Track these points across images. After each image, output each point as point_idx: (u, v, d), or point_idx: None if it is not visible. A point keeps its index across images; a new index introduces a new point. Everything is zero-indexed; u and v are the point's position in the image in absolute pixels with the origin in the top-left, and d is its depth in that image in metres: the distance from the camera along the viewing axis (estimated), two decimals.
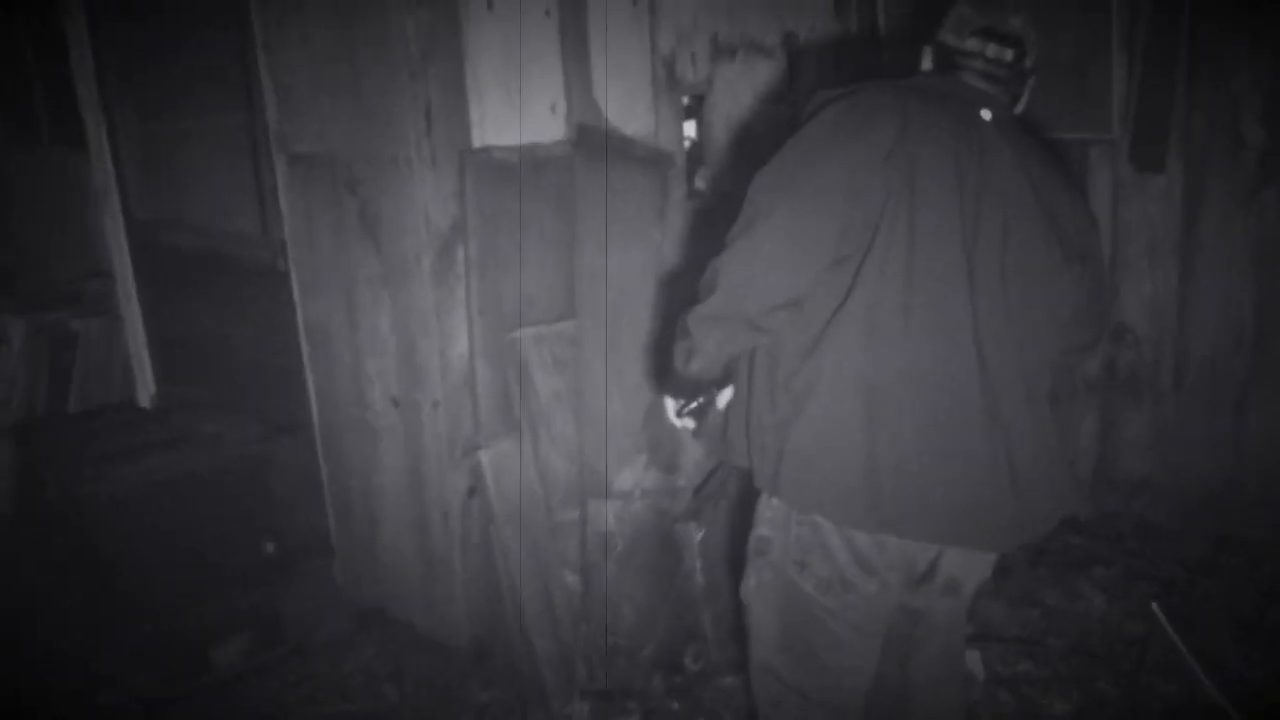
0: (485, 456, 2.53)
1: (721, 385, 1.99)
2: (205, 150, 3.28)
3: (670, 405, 2.07)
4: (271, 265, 2.89)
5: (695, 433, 2.20)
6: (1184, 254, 3.02)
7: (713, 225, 2.90)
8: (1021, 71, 1.86)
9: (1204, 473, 3.07)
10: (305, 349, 2.85)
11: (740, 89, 2.96)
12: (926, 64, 1.93)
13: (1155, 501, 3.20)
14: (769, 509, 1.87)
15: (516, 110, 2.52)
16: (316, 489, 2.91)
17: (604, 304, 2.65)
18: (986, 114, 1.81)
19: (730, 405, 1.97)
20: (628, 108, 2.72)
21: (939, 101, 1.79)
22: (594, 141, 2.64)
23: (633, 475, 2.68)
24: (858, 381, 1.73)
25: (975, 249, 1.74)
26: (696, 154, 2.89)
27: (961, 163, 1.74)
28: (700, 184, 2.91)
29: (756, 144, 3.00)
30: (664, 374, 2.07)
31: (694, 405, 2.03)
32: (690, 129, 2.89)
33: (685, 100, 2.85)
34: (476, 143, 2.46)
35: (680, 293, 2.81)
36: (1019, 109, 1.91)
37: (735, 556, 2.16)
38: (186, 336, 3.47)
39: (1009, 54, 1.83)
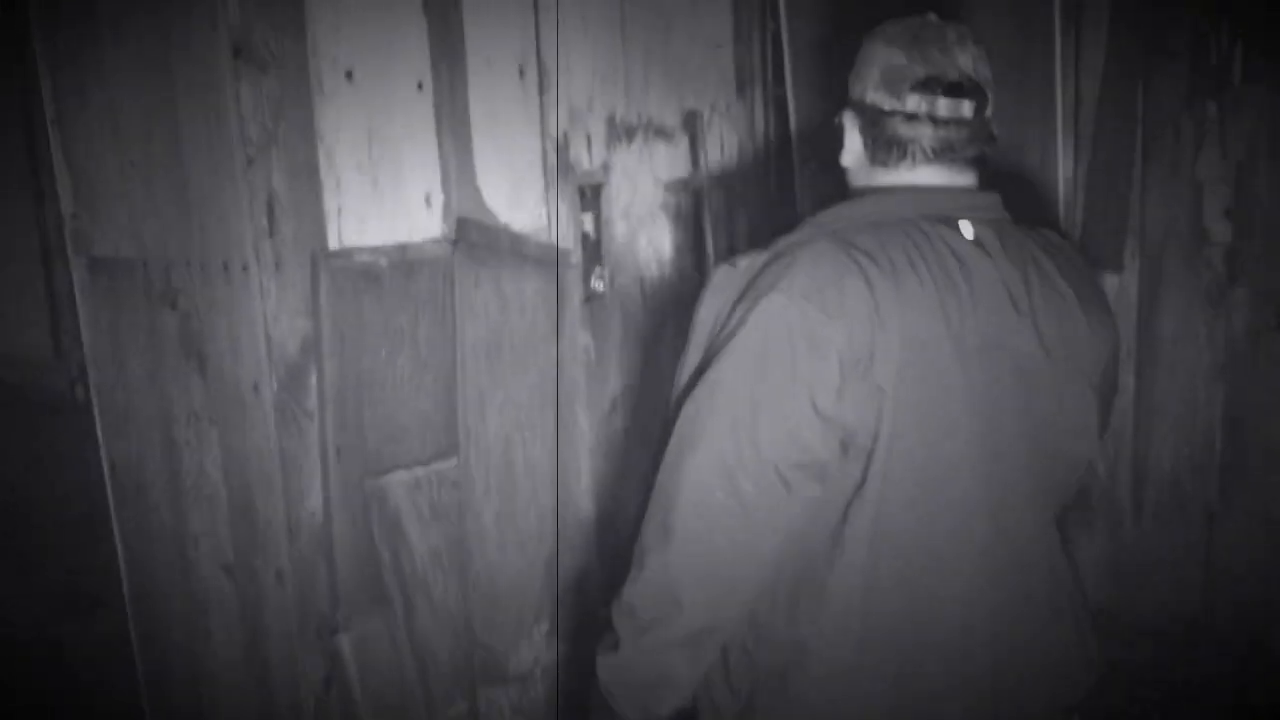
0: (346, 640, 1.99)
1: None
2: None
3: None
4: (68, 395, 2.30)
5: None
6: (1141, 360, 2.72)
7: (609, 335, 2.49)
8: (984, 124, 1.43)
9: (1167, 606, 2.74)
10: (111, 500, 2.25)
11: (640, 176, 2.56)
12: (851, 147, 1.48)
13: (1110, 636, 2.86)
14: None
15: (383, 203, 2.04)
16: (129, 678, 2.29)
17: (493, 437, 2.16)
18: (968, 229, 1.39)
19: None
20: (516, 198, 2.28)
21: (903, 239, 1.36)
22: (478, 239, 2.18)
23: (532, 650, 2.17)
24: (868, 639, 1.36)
25: (991, 440, 1.37)
26: (592, 251, 2.47)
27: (954, 326, 1.33)
28: (597, 285, 2.48)
29: (658, 238, 2.61)
30: None
31: None
32: (587, 222, 2.46)
33: (581, 190, 2.43)
34: (333, 243, 1.97)
35: (574, 420, 2.36)
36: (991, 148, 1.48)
37: None
38: None
39: (967, 107, 1.40)
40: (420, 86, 2.10)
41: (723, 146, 2.78)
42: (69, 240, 2.17)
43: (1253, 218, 2.57)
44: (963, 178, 1.43)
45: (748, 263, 1.41)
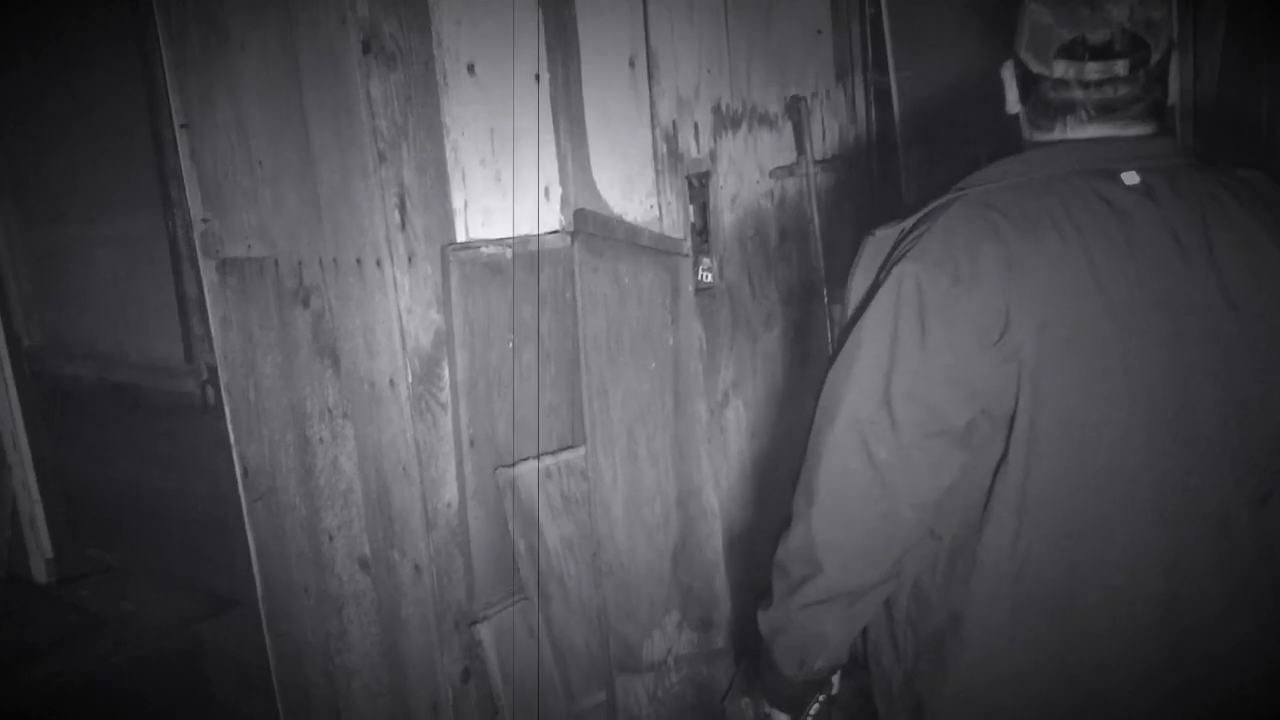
0: (484, 630, 1.99)
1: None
2: (111, 259, 2.71)
3: None
4: (199, 397, 2.34)
5: None
6: None
7: (720, 325, 2.48)
8: (1150, 76, 1.33)
9: None
10: (244, 499, 2.28)
11: (746, 164, 2.54)
12: (1012, 100, 1.42)
13: None
14: None
15: (507, 195, 2.05)
16: (263, 677, 2.32)
17: (617, 427, 2.16)
18: (1131, 176, 1.32)
19: None
20: (629, 189, 2.27)
21: (1048, 196, 1.30)
22: (595, 230, 2.18)
23: (665, 640, 2.16)
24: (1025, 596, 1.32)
25: (1159, 400, 1.30)
26: (700, 241, 2.46)
27: (1107, 284, 1.27)
28: (706, 276, 2.46)
29: (764, 227, 2.59)
30: (760, 681, 1.51)
31: (816, 707, 1.49)
32: (695, 212, 2.45)
33: (690, 179, 2.43)
34: (460, 236, 1.98)
35: (692, 410, 2.35)
36: (1172, 98, 1.39)
37: None
38: (92, 488, 2.84)
39: (1120, 66, 1.31)
40: (538, 79, 2.11)
41: (825, 133, 2.76)
42: (199, 243, 2.21)
43: None
44: (1131, 130, 1.35)
45: (888, 232, 1.38)
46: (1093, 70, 1.32)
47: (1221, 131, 2.49)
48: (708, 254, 2.47)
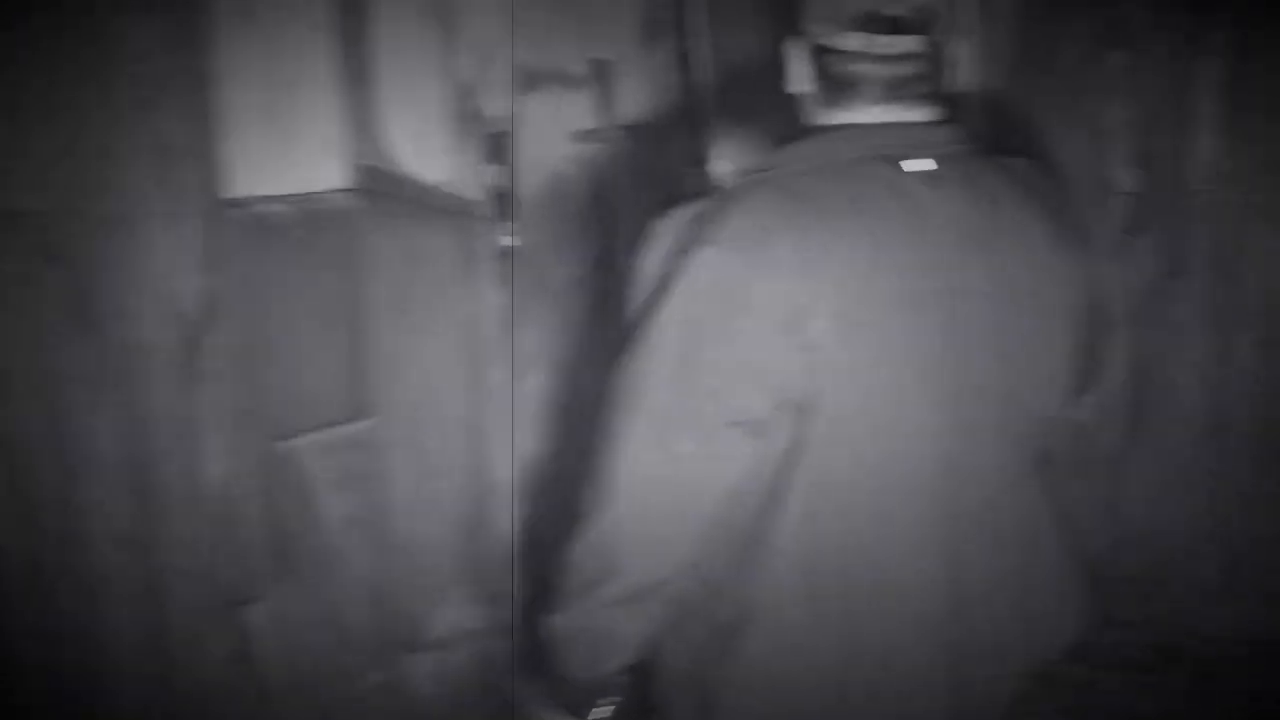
0: (255, 612, 1.88)
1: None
2: None
3: None
4: None
5: None
6: None
7: (522, 292, 2.41)
8: (941, 55, 1.33)
9: None
10: None
11: (549, 126, 2.47)
12: (796, 78, 1.38)
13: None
14: None
15: (287, 150, 1.92)
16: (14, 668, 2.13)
17: (406, 398, 2.07)
18: (919, 164, 1.31)
19: None
20: (423, 147, 2.17)
21: (843, 182, 1.29)
22: (385, 189, 2.08)
23: (452, 616, 2.10)
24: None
25: (946, 387, 1.31)
26: (501, 203, 2.38)
27: (895, 268, 1.27)
28: (507, 239, 2.39)
29: (568, 191, 2.53)
30: (543, 683, 1.43)
31: (605, 710, 1.42)
32: (495, 172, 2.37)
33: (489, 139, 2.34)
34: (231, 192, 1.84)
35: (489, 379, 2.28)
36: (951, 81, 1.39)
37: None
38: None
39: (911, 42, 1.30)
40: (320, 26, 1.98)
41: (635, 98, 2.71)
42: None
43: (1153, 167, 2.61)
44: (919, 113, 1.34)
45: (683, 213, 1.34)
46: (885, 44, 1.30)
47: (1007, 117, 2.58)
48: (509, 217, 2.39)
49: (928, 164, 1.31)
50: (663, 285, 1.27)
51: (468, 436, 2.20)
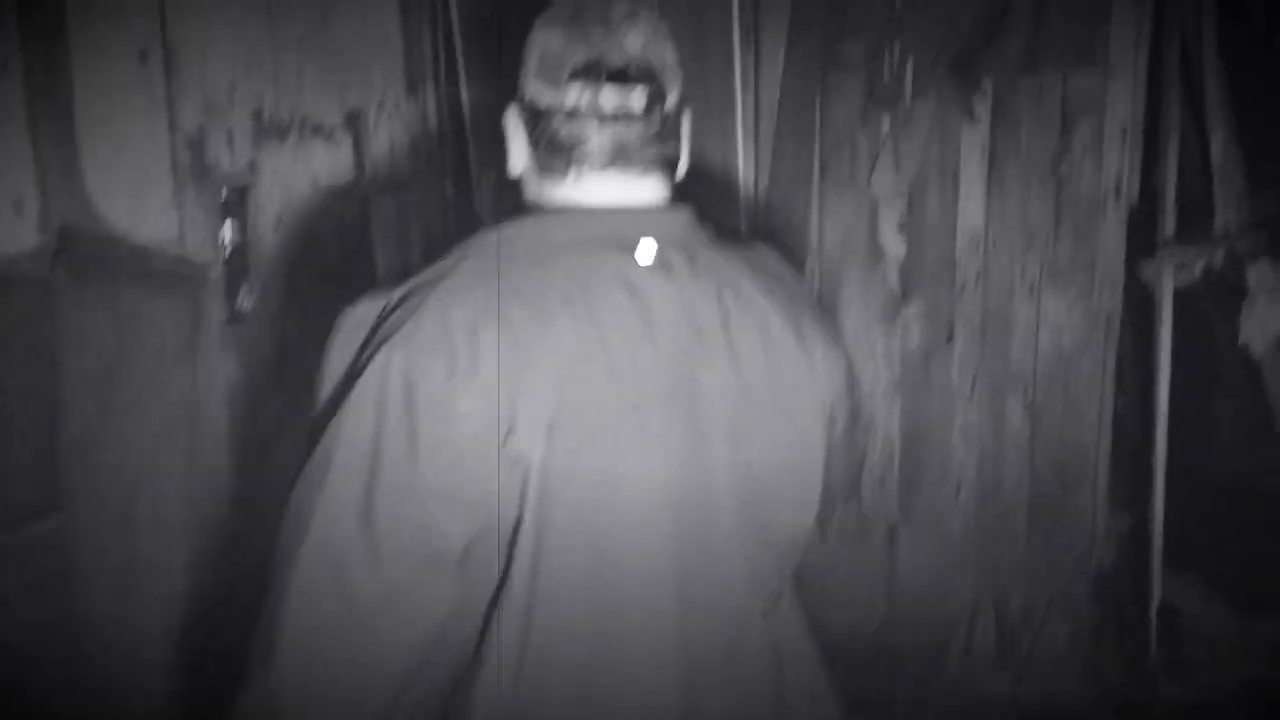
0: None
1: None
2: None
3: None
4: None
5: None
6: None
7: (259, 363, 2.19)
8: (666, 119, 1.20)
9: (852, 625, 2.74)
10: None
11: (295, 180, 2.26)
12: (517, 152, 1.22)
13: None
14: None
15: None
16: None
17: (106, 487, 1.82)
18: (648, 253, 1.17)
19: None
20: (138, 204, 1.94)
21: (561, 273, 1.13)
22: (88, 251, 1.83)
23: None
24: None
25: (681, 500, 1.16)
26: (239, 264, 2.15)
27: (622, 367, 1.12)
28: (246, 303, 2.16)
29: (319, 251, 2.32)
30: None
31: None
32: (229, 231, 2.14)
33: (223, 193, 2.12)
34: None
35: (214, 463, 2.04)
36: (680, 173, 1.26)
37: None
38: None
39: (638, 97, 1.17)
40: (5, 67, 1.73)
41: (393, 149, 2.52)
42: None
43: (923, 234, 2.60)
44: (645, 189, 1.21)
45: (370, 306, 1.15)
46: (609, 97, 1.15)
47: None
48: (246, 278, 2.17)
49: (651, 253, 1.18)
50: (342, 391, 1.08)
51: (188, 528, 1.95)
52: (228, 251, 2.13)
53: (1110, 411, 2.65)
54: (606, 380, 1.11)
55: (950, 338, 2.65)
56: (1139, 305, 2.67)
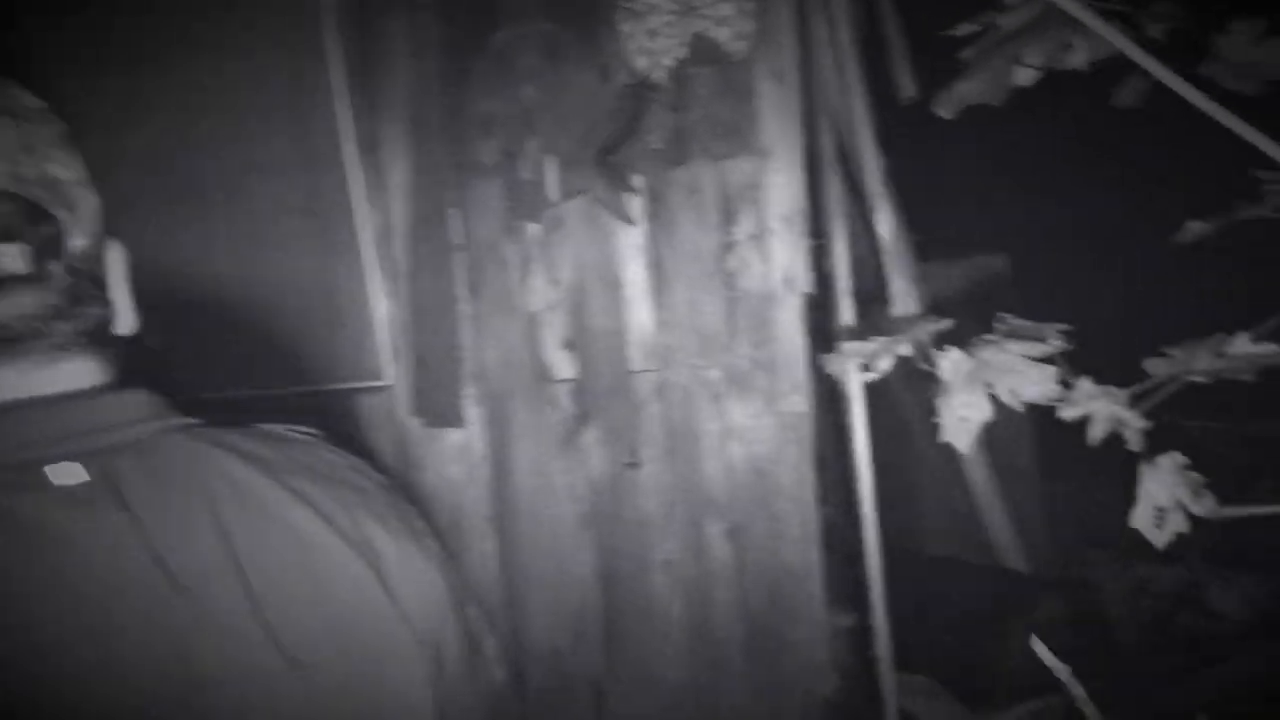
0: None
1: None
2: None
3: None
4: None
5: None
6: (502, 523, 2.34)
7: None
8: (78, 273, 0.84)
9: None
10: None
11: None
12: None
13: None
14: None
15: None
16: None
17: None
18: (70, 472, 0.78)
19: None
20: None
21: None
22: None
23: None
24: None
25: None
26: None
27: (46, 644, 0.74)
28: None
29: None
30: None
31: None
32: None
33: None
34: None
35: None
36: (126, 330, 0.91)
37: None
38: None
39: (11, 255, 0.79)
40: None
41: None
42: None
43: (592, 349, 2.30)
44: (62, 371, 0.82)
45: None
46: None
47: None
48: None
49: (74, 471, 0.77)
50: None
51: None
52: None
53: (816, 521, 2.40)
54: (25, 656, 0.70)
55: (635, 461, 2.35)
56: (830, 403, 2.47)
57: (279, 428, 0.92)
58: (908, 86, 2.42)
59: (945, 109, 1.65)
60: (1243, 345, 1.65)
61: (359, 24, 2.18)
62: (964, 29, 1.62)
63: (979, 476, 2.77)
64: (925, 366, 1.76)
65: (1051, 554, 4.18)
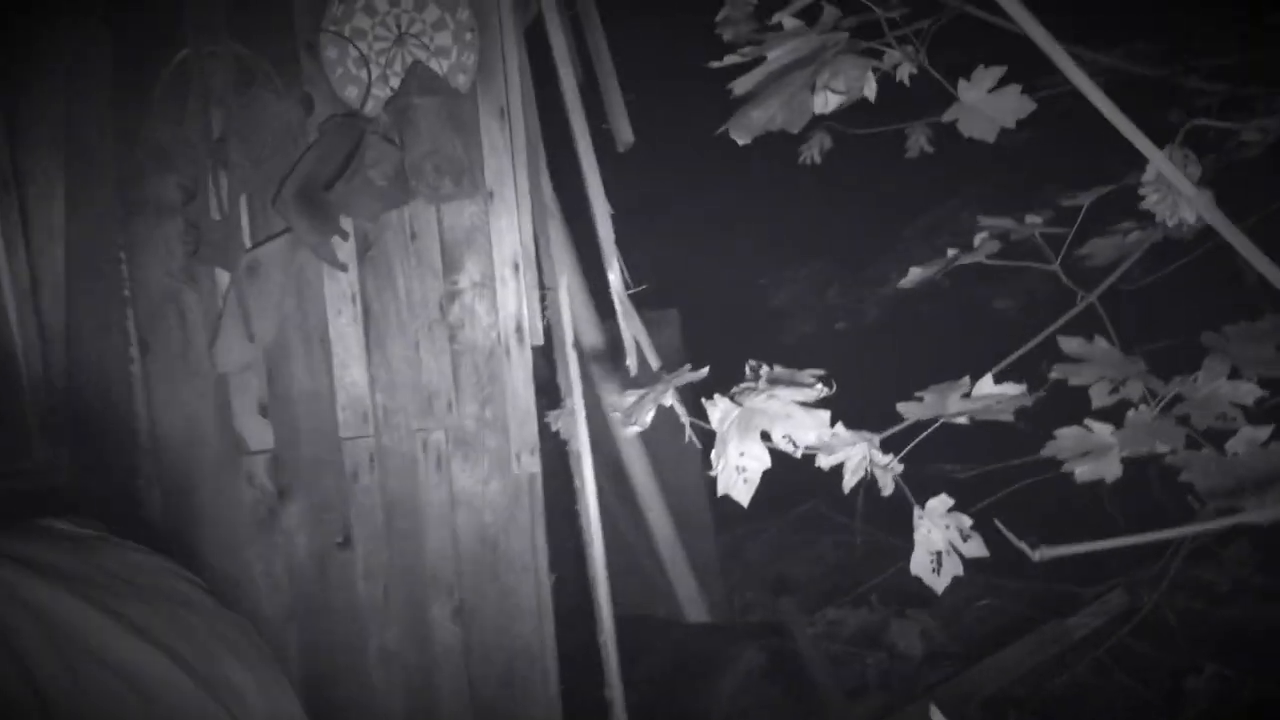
0: None
1: None
2: None
3: None
4: None
5: None
6: None
7: None
8: None
9: None
10: None
11: None
12: None
13: None
14: None
15: None
16: None
17: None
18: None
19: None
20: None
21: None
22: None
23: None
24: None
25: None
26: None
27: None
28: None
29: None
30: None
31: None
32: None
33: None
34: None
35: None
36: None
37: None
38: None
39: None
40: None
41: None
42: None
43: (294, 413, 2.01)
44: None
45: None
46: None
47: None
48: None
49: None
50: None
51: None
52: None
53: (549, 592, 2.21)
54: None
55: (347, 540, 2.07)
56: (562, 462, 2.29)
57: (59, 523, 0.65)
58: (625, 131, 2.33)
59: (739, 134, 1.56)
60: (987, 386, 1.66)
61: None
62: (729, 60, 1.53)
63: (664, 532, 2.72)
64: (689, 419, 1.65)
65: (742, 604, 4.22)
